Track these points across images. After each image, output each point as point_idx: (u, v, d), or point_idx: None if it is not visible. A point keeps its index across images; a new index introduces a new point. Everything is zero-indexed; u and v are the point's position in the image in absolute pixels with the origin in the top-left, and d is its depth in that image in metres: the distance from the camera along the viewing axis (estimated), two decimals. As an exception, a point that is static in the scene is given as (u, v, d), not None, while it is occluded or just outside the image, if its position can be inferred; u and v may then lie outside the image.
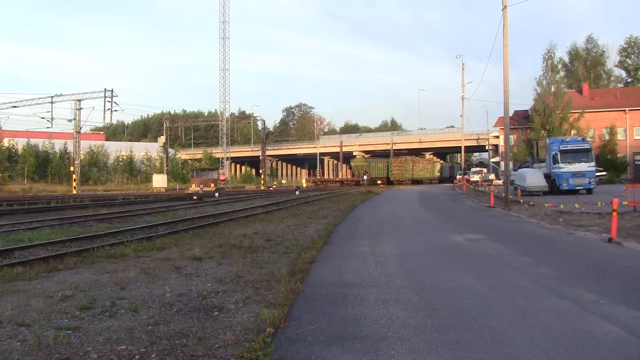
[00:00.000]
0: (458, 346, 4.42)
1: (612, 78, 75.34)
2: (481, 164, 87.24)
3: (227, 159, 67.75)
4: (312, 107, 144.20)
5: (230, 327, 5.11)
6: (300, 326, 5.10)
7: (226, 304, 6.05)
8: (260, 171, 72.24)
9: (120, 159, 73.91)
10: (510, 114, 30.67)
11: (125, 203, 29.21)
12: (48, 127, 49.78)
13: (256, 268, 8.32)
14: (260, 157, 71.02)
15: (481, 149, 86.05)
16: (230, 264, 8.73)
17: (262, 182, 67.24)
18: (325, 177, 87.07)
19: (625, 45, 72.64)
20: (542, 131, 51.61)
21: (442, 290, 6.63)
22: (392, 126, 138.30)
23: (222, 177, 63.43)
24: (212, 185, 52.41)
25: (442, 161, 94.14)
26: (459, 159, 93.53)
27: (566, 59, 73.12)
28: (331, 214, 19.42)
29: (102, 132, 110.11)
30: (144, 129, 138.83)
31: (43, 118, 47.61)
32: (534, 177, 28.02)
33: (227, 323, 5.26)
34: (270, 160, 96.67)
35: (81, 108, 48.97)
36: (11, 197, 36.92)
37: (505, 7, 22.43)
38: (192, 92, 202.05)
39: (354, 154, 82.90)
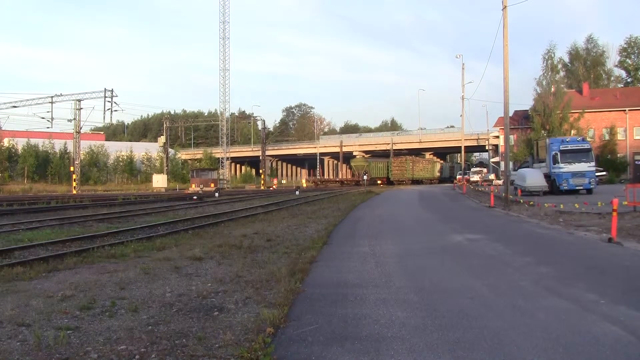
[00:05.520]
0: (458, 346, 4.42)
1: (612, 78, 75.39)
2: (481, 164, 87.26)
3: (227, 159, 67.82)
4: (312, 107, 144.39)
5: (230, 327, 5.11)
6: (300, 326, 5.10)
7: (226, 304, 6.05)
8: (260, 171, 72.28)
9: (120, 159, 73.91)
10: (510, 114, 30.65)
11: (125, 203, 29.20)
12: (48, 127, 49.85)
13: (256, 268, 8.32)
14: (260, 157, 71.02)
15: (481, 149, 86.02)
16: (230, 264, 8.73)
17: (262, 182, 67.26)
18: (325, 177, 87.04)
19: (625, 45, 72.78)
20: (542, 131, 51.61)
21: (442, 291, 6.63)
22: (392, 126, 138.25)
23: (274, 183, 66.68)
24: (212, 185, 52.42)
25: (442, 161, 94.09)
26: (459, 159, 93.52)
27: (566, 59, 73.26)
28: (331, 214, 19.42)
29: (102, 132, 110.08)
30: (144, 129, 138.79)
31: (43, 118, 47.64)
32: (534, 177, 28.00)
33: (227, 323, 5.26)
34: (270, 160, 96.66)
35: (81, 108, 49.01)
36: (11, 197, 36.93)
37: (505, 7, 22.43)
38: (192, 92, 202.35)
39: (354, 154, 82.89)
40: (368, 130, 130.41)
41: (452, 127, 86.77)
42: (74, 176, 48.60)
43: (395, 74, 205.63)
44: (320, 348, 4.45)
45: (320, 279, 7.55)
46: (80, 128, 50.68)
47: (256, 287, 6.91)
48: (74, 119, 48.90)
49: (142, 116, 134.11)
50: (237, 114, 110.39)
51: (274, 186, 66.17)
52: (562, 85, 56.77)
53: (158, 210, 23.09)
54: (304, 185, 66.83)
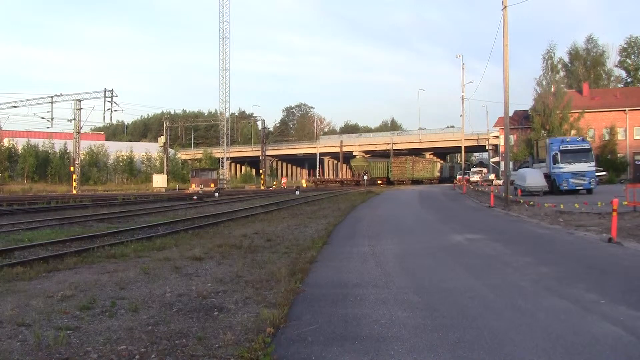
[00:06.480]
0: (458, 346, 4.42)
1: (612, 78, 75.39)
2: (481, 164, 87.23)
3: (227, 159, 67.81)
4: (312, 107, 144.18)
5: (230, 327, 5.11)
6: (300, 326, 5.10)
7: (226, 304, 6.05)
8: (260, 171, 72.34)
9: (120, 159, 73.95)
10: (510, 114, 30.66)
11: (125, 203, 29.21)
12: (48, 127, 49.86)
13: (256, 268, 8.32)
14: (260, 157, 71.06)
15: (481, 149, 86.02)
16: (230, 264, 8.73)
17: (262, 182, 67.29)
18: (325, 177, 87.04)
19: (625, 45, 72.78)
20: (542, 131, 51.63)
21: (442, 290, 6.63)
22: (392, 126, 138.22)
23: (283, 181, 67.74)
24: (212, 185, 52.41)
25: (442, 161, 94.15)
26: (459, 159, 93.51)
27: (566, 59, 73.25)
28: (331, 214, 19.42)
29: (102, 132, 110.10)
30: (144, 129, 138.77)
31: (43, 118, 47.66)
32: (534, 177, 28.02)
33: (227, 323, 5.26)
34: (270, 160, 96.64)
35: (81, 108, 49.04)
36: (11, 197, 36.92)
37: (505, 7, 22.44)
38: (192, 92, 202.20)
39: (354, 154, 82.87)
40: (368, 130, 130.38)
41: (452, 127, 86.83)
42: (74, 176, 48.60)
43: (395, 74, 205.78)
44: (320, 348, 4.45)
45: (320, 279, 7.55)
46: (80, 128, 50.68)
47: (256, 287, 6.90)
48: (74, 119, 48.91)
49: (142, 116, 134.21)
50: (237, 114, 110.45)
51: (283, 185, 66.39)
52: (562, 85, 56.78)
53: (158, 210, 23.09)
54: (304, 185, 66.84)
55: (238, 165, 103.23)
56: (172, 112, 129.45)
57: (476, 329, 4.90)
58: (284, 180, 72.90)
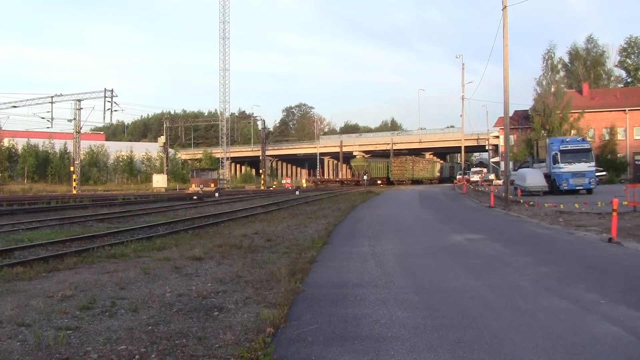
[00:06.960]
0: (458, 346, 4.42)
1: (612, 78, 75.39)
2: (481, 164, 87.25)
3: (227, 159, 67.82)
4: (312, 107, 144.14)
5: (230, 327, 5.11)
6: (300, 326, 5.10)
7: (226, 304, 6.05)
8: (260, 171, 72.36)
9: (120, 159, 73.98)
10: (510, 114, 30.66)
11: (125, 203, 29.21)
12: (48, 127, 49.89)
13: (256, 268, 8.32)
14: (260, 157, 71.08)
15: (481, 149, 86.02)
16: (230, 264, 8.73)
17: (262, 182, 67.30)
18: (325, 177, 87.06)
19: (625, 45, 72.78)
20: (542, 131, 51.64)
21: (442, 290, 6.63)
22: (392, 126, 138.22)
23: (287, 182, 67.39)
24: (212, 185, 52.41)
25: (442, 161, 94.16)
26: (459, 159, 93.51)
27: (566, 59, 73.26)
28: (331, 214, 19.42)
29: (102, 132, 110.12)
30: (144, 129, 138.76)
31: (43, 118, 47.68)
32: (534, 177, 28.03)
33: (227, 323, 5.26)
34: (270, 160, 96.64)
35: (81, 108, 49.06)
36: (11, 197, 36.93)
37: (505, 7, 22.43)
38: (192, 92, 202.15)
39: (354, 154, 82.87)
40: (368, 130, 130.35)
41: (452, 127, 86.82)
42: (74, 176, 48.61)
43: (395, 74, 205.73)
44: (320, 348, 4.45)
45: (320, 279, 7.55)
46: (80, 128, 50.70)
47: (256, 287, 6.90)
48: (74, 119, 48.92)
49: (142, 116, 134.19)
50: (237, 114, 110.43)
51: (287, 185, 66.34)
52: (562, 85, 56.79)
53: (158, 210, 23.09)
54: (304, 185, 66.85)
55: (238, 165, 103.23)
56: (172, 112, 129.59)
57: (476, 329, 4.90)
58: (287, 180, 72.64)
